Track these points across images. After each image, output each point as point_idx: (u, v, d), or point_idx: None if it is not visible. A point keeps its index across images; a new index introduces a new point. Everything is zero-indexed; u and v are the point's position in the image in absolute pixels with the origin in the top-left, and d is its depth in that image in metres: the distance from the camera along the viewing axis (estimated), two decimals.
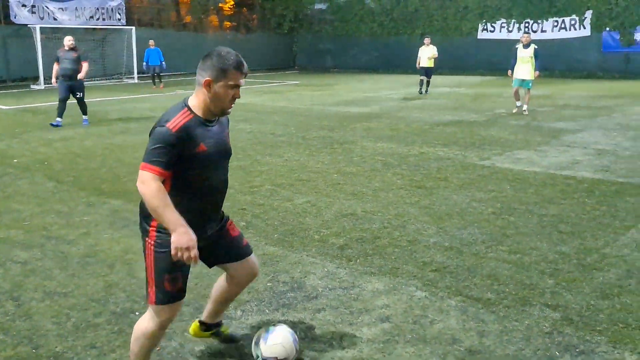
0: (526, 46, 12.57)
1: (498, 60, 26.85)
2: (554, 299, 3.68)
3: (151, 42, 20.10)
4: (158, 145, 2.48)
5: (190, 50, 28.18)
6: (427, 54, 17.85)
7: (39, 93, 18.95)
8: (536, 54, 12.54)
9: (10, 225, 5.34)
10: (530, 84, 12.71)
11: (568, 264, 4.24)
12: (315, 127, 11.11)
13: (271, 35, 33.41)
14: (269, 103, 15.67)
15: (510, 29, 26.94)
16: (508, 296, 3.74)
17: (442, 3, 28.56)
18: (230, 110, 2.65)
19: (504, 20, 27.01)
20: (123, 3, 24.80)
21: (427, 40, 18.39)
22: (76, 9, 23.01)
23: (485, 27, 27.67)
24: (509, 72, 13.07)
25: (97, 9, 23.72)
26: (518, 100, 13.01)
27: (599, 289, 3.80)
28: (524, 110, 12.73)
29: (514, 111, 12.93)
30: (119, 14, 24.54)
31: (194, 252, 2.42)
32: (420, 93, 17.83)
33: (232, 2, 33.66)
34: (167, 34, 27.44)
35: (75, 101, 11.51)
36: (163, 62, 20.07)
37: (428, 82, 18.03)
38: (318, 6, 33.53)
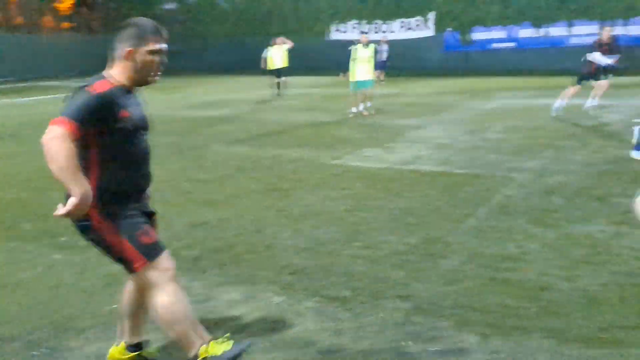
0: (366, 46, 12.74)
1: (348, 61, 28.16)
2: (405, 289, 3.81)
3: None
4: (78, 105, 2.40)
5: (23, 53, 25.77)
6: (279, 54, 17.81)
7: None
8: (375, 53, 12.92)
9: None
10: (372, 83, 13.07)
11: (416, 254, 4.43)
12: (163, 133, 10.60)
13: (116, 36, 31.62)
14: None
15: (361, 29, 28.22)
16: (363, 292, 3.79)
17: (295, 4, 29.12)
18: (156, 79, 2.71)
19: (355, 21, 28.23)
20: None
21: (279, 40, 18.31)
22: None
23: (337, 28, 28.72)
24: (342, 75, 13.26)
25: None
26: (356, 105, 12.88)
27: (445, 276, 4.00)
28: (365, 111, 12.81)
29: (351, 115, 12.74)
30: None
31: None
32: (278, 95, 17.80)
33: (71, 2, 31.33)
34: None
35: None
36: None
37: (281, 84, 18.03)
38: (167, 7, 32.44)
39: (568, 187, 6.20)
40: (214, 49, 31.30)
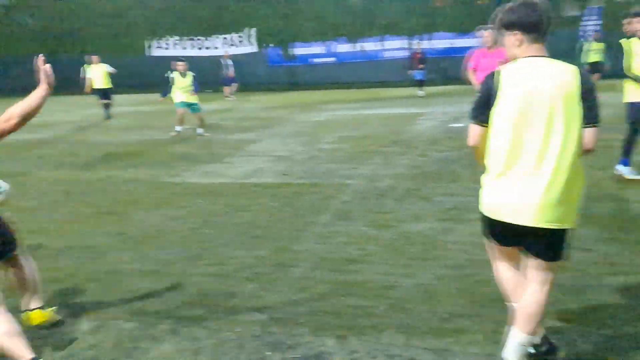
0: (183, 75, 12.14)
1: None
2: (259, 301, 3.89)
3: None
4: None
5: None
6: (99, 74, 16.46)
7: None
8: (194, 81, 12.23)
9: None
10: (198, 108, 12.28)
11: (266, 266, 4.54)
12: None
13: None
14: None
15: (184, 46, 27.79)
16: (217, 308, 3.80)
17: (109, 20, 27.73)
18: None
19: (176, 37, 27.71)
20: None
21: (95, 58, 16.78)
22: None
23: (159, 45, 27.95)
24: (161, 98, 12.40)
25: None
26: (182, 124, 12.22)
27: (296, 284, 4.16)
28: (201, 135, 12.05)
29: (173, 134, 12.08)
30: None
31: None
32: (108, 118, 16.12)
33: None
34: None
35: None
36: None
37: (108, 105, 16.46)
38: None
39: (398, 190, 6.80)
40: (20, 68, 28.52)
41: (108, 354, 3.28)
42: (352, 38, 26.03)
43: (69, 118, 16.61)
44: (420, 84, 19.48)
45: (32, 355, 2.89)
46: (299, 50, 26.90)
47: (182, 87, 12.07)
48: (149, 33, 27.76)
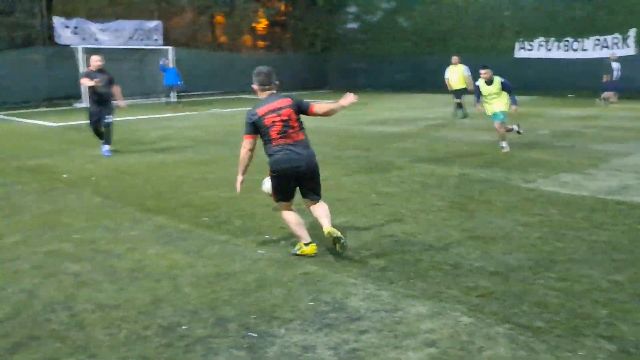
0: (489, 82, 10.71)
1: (537, 80, 26.49)
2: (609, 329, 3.57)
3: (166, 61, 20.56)
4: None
5: (224, 69, 28.72)
6: (456, 74, 16.77)
7: (82, 111, 19.49)
8: (506, 86, 10.70)
9: (61, 238, 5.50)
10: (502, 117, 10.68)
11: (623, 293, 4.11)
12: (350, 147, 11.13)
13: (304, 55, 33.72)
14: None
15: (549, 47, 26.49)
16: (559, 325, 3.64)
17: (478, 22, 28.35)
18: None
19: (542, 39, 26.61)
20: (161, 24, 25.47)
21: (454, 59, 17.10)
22: (116, 30, 23.78)
23: (522, 46, 27.32)
24: (478, 107, 10.97)
25: (136, 30, 24.43)
26: (504, 139, 10.71)
27: None
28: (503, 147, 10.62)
29: (505, 151, 10.48)
30: (157, 34, 25.19)
31: None
32: (455, 116, 16.60)
33: (266, 22, 34.17)
34: (202, 54, 28.00)
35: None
36: (179, 82, 20.39)
37: (460, 105, 16.70)
38: (350, 26, 33.73)
39: None
40: (392, 67, 31.75)
41: (444, 341, 3.49)
42: None
43: (430, 114, 17.83)
44: None
45: (310, 240, 5.01)
46: None
47: (489, 95, 10.75)
48: (515, 35, 27.36)
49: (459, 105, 16.86)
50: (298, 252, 5.03)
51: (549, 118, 16.44)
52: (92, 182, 7.95)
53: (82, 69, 21.11)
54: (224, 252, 5.12)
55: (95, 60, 10.28)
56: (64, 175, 8.42)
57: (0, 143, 11.72)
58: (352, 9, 33.50)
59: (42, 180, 8.08)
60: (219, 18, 31.83)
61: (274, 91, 5.18)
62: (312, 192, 5.14)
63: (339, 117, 17.05)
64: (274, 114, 4.99)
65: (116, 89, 10.44)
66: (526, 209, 6.48)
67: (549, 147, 10.96)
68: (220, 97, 25.74)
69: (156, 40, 25.09)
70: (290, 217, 5.07)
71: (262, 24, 34.14)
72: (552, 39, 26.27)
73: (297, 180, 5.01)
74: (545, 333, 3.54)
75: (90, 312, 3.88)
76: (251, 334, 3.59)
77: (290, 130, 5.05)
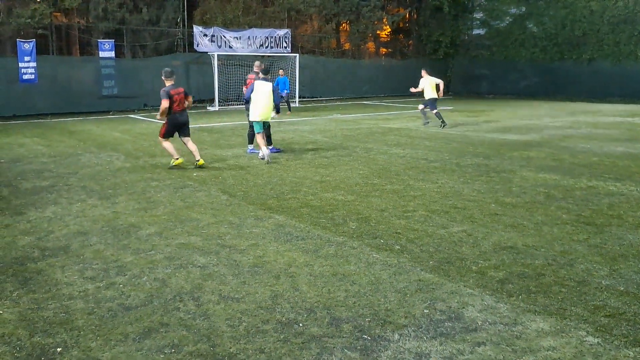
0: None
1: None
2: None
3: (281, 71, 21.17)
4: None
5: (348, 75, 29.21)
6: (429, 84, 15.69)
7: (214, 114, 20.81)
8: None
9: (190, 232, 5.94)
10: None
11: None
12: (469, 154, 10.86)
13: (426, 61, 33.36)
14: (422, 128, 15.63)
15: None
16: None
17: (615, 27, 26.38)
18: None
19: None
20: (290, 32, 26.46)
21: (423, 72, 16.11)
22: (249, 37, 25.06)
23: None
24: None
25: (267, 37, 25.57)
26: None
27: None
28: None
29: None
30: (286, 42, 26.21)
31: None
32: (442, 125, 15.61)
33: (389, 30, 34.27)
34: (327, 60, 28.71)
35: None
36: (287, 91, 20.98)
37: (437, 114, 15.71)
38: (476, 31, 32.88)
39: None
40: (517, 73, 30.46)
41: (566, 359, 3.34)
42: None
43: (556, 123, 16.87)
44: None
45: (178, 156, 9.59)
46: None
47: None
48: None
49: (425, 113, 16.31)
50: (173, 164, 9.60)
51: None
52: (219, 181, 8.49)
53: (216, 74, 22.59)
54: (340, 253, 5.25)
55: (259, 66, 11.21)
56: (195, 174, 9.07)
57: (139, 142, 12.85)
58: (479, 14, 32.65)
59: (174, 178, 8.77)
60: (344, 25, 32.47)
61: (173, 82, 9.65)
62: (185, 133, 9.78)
63: (458, 124, 16.74)
64: (176, 95, 9.54)
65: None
66: None
67: None
68: (342, 103, 26.18)
69: (285, 47, 26.14)
70: (168, 144, 9.62)
71: (385, 31, 34.31)
72: None
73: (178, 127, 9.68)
74: None
75: (214, 303, 4.17)
76: (365, 336, 3.66)
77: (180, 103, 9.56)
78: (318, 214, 6.58)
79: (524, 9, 30.18)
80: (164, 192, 7.84)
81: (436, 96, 15.67)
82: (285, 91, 20.79)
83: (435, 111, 15.75)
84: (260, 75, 10.57)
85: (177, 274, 4.75)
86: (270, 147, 10.84)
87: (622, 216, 6.39)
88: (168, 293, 4.36)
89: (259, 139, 10.24)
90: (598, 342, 3.54)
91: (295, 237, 5.73)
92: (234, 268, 4.87)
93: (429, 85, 15.66)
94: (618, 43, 26.45)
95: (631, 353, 3.39)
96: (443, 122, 15.65)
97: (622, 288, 4.36)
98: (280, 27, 27.15)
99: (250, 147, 11.29)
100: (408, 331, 3.72)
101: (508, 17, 31.06)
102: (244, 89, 11.29)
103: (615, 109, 21.71)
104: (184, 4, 25.18)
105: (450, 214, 6.57)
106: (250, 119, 10.59)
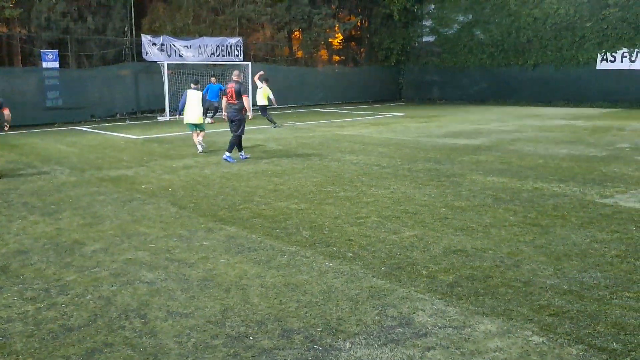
0: None
1: (619, 92, 25.27)
2: None
3: (212, 79, 21.16)
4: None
5: (302, 83, 29.27)
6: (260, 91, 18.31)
7: (165, 124, 20.44)
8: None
9: (138, 247, 5.79)
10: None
11: None
12: (421, 159, 11.03)
13: (378, 68, 33.83)
14: (375, 135, 15.79)
15: (632, 58, 25.19)
16: (637, 348, 3.46)
17: (557, 33, 27.41)
18: None
19: (625, 50, 25.35)
20: (241, 41, 26.33)
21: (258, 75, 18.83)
22: (199, 46, 24.78)
23: (604, 57, 26.12)
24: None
25: (218, 46, 25.36)
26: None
27: None
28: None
29: None
30: (237, 50, 26.05)
31: None
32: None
33: (342, 37, 34.58)
34: (279, 68, 28.69)
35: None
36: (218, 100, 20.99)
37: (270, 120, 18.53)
38: (426, 39, 33.57)
39: None
40: (467, 79, 31.29)
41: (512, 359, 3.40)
42: None
43: (505, 127, 17.33)
44: None
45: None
46: None
47: None
48: (596, 46, 26.19)
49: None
50: None
51: (631, 131, 15.61)
52: (169, 193, 8.32)
53: (167, 83, 22.24)
54: (292, 263, 5.21)
55: (236, 75, 11.70)
56: (143, 186, 8.86)
57: (85, 155, 12.48)
58: (428, 22, 33.36)
59: (122, 190, 8.54)
60: (297, 33, 32.55)
61: None
62: None
63: (410, 129, 17.02)
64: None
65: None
66: (603, 225, 6.19)
67: (629, 162, 10.40)
68: (297, 110, 26.19)
69: (237, 55, 25.96)
70: None
71: (337, 39, 34.59)
72: (637, 49, 24.95)
73: None
74: (621, 356, 3.38)
75: (162, 320, 4.06)
76: (316, 346, 3.63)
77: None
78: (271, 224, 6.53)
79: (471, 16, 30.99)
80: (111, 206, 7.62)
81: (267, 103, 18.42)
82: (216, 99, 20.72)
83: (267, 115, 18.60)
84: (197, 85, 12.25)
85: (122, 291, 4.61)
86: (241, 154, 11.73)
87: (566, 216, 6.59)
88: (113, 311, 4.22)
89: (194, 137, 12.88)
90: (543, 341, 3.62)
91: (247, 249, 5.66)
92: (182, 283, 4.77)
93: (262, 93, 18.15)
94: (560, 49, 27.46)
95: (574, 351, 3.47)
96: (274, 123, 18.56)
97: (565, 287, 4.48)
98: (232, 35, 26.99)
99: (242, 154, 11.77)
100: (359, 339, 3.72)
101: (456, 25, 31.82)
102: (224, 99, 11.65)
103: (559, 112, 22.50)
104: (131, 12, 24.70)
105: (402, 219, 6.63)
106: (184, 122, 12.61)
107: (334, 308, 4.21)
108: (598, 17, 25.94)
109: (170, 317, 4.09)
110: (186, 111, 12.39)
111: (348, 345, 3.64)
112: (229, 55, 25.69)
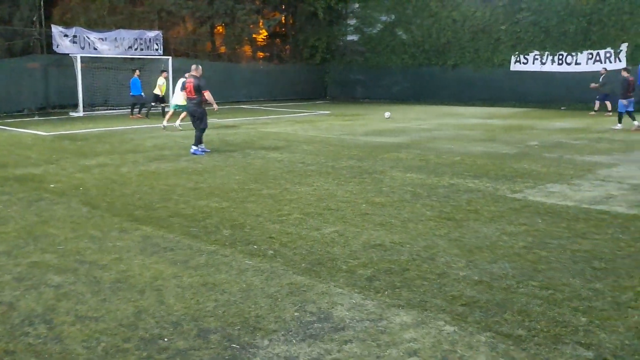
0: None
1: (531, 93, 26.72)
2: (587, 337, 3.58)
3: (137, 72, 20.72)
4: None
5: (225, 79, 28.83)
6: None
7: (78, 120, 19.54)
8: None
9: (45, 249, 5.47)
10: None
11: (602, 301, 4.13)
12: (344, 157, 11.17)
13: (303, 66, 33.92)
14: (300, 132, 15.83)
15: (543, 61, 26.72)
16: (539, 333, 3.65)
17: (474, 35, 28.60)
18: None
19: (537, 53, 26.85)
20: (161, 34, 25.58)
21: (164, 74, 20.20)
22: (115, 39, 23.83)
23: (517, 59, 27.55)
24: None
25: (136, 39, 24.51)
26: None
27: (635, 328, 3.68)
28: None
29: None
30: (157, 44, 25.29)
31: None
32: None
33: (266, 33, 34.41)
34: (201, 64, 28.15)
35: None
36: (142, 94, 20.64)
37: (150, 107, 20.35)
38: (350, 38, 34.03)
39: None
40: (390, 78, 32.02)
41: (426, 350, 3.49)
42: None
43: (425, 125, 17.89)
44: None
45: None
46: None
47: None
48: (510, 48, 27.58)
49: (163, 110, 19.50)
50: None
51: (541, 130, 16.58)
52: (81, 192, 7.95)
53: (80, 77, 21.22)
54: (211, 262, 5.12)
55: (194, 70, 11.83)
56: (52, 185, 8.41)
57: None
58: (352, 21, 33.81)
59: (29, 190, 8.07)
60: (219, 28, 32.03)
61: None
62: None
63: (335, 127, 17.18)
64: None
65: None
66: (512, 218, 6.51)
67: (538, 158, 11.02)
68: (220, 107, 25.76)
69: (157, 50, 25.18)
70: None
71: (262, 35, 34.36)
72: (547, 52, 26.49)
73: None
74: (526, 341, 3.55)
75: (69, 325, 3.86)
76: (234, 345, 3.58)
77: None
78: (189, 223, 6.38)
79: (393, 17, 31.74)
80: (16, 206, 7.18)
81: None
82: (141, 93, 20.25)
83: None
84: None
85: (27, 296, 4.34)
86: (201, 147, 11.88)
87: (479, 211, 6.87)
88: (15, 317, 3.97)
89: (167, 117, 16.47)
90: (454, 330, 3.75)
91: (164, 249, 5.50)
92: (93, 285, 4.56)
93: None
94: (477, 50, 28.68)
95: (483, 338, 3.62)
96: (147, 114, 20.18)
97: (476, 278, 4.66)
98: (151, 28, 26.17)
99: (194, 147, 11.73)
100: (278, 336, 3.70)
101: (379, 25, 32.49)
102: (184, 93, 12.02)
103: (477, 112, 23.49)
104: (40, 1, 23.35)
105: (323, 215, 6.67)
106: None
107: (253, 306, 4.16)
108: (512, 21, 27.31)
109: (79, 322, 3.90)
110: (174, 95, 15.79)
111: (266, 342, 3.61)
112: (147, 49, 24.90)
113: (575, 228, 6.06)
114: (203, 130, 11.79)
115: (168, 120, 16.49)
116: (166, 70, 21.20)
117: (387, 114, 20.77)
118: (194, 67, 11.92)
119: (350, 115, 21.92)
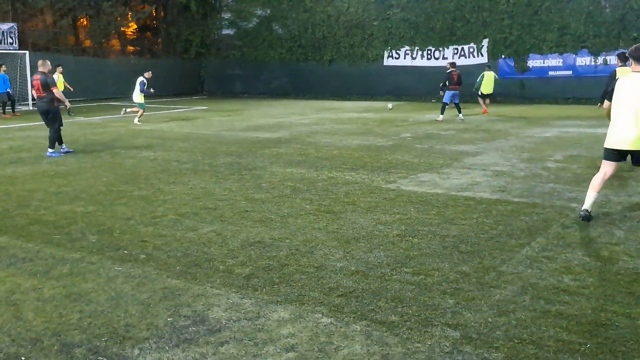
0: None
1: (403, 86, 28.06)
2: (455, 318, 3.77)
3: (3, 67, 19.22)
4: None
5: (91, 75, 27.14)
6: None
7: None
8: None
9: None
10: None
11: (468, 283, 4.38)
12: (222, 154, 10.95)
13: (177, 60, 32.86)
14: (176, 129, 15.31)
15: (414, 55, 28.16)
16: (411, 318, 3.78)
17: (349, 31, 29.41)
18: None
19: (408, 48, 28.22)
20: (15, 27, 23.46)
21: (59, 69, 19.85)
22: None
23: (390, 54, 28.77)
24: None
25: None
26: None
27: (496, 306, 3.94)
28: None
29: None
30: (12, 37, 23.16)
31: None
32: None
33: (135, 27, 32.87)
34: (65, 59, 26.23)
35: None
36: (9, 90, 19.25)
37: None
38: (226, 32, 33.49)
39: (632, 219, 5.98)
40: (269, 73, 32.05)
41: (303, 344, 3.48)
42: (595, 51, 23.76)
43: (304, 120, 18.09)
44: None
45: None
46: (534, 62, 25.40)
47: None
48: (383, 44, 28.72)
49: None
50: None
51: (413, 122, 17.44)
52: None
53: None
54: (75, 271, 4.74)
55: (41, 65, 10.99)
56: None
57: None
58: (227, 15, 33.27)
59: None
60: (83, 21, 30.02)
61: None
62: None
63: (212, 123, 16.84)
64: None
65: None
66: (387, 208, 6.74)
67: (410, 150, 11.55)
68: (86, 104, 24.24)
69: (11, 44, 23.03)
70: None
71: (131, 28, 32.75)
72: (417, 48, 27.94)
73: None
74: (399, 327, 3.66)
75: None
76: (100, 358, 3.33)
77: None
78: (51, 230, 5.88)
79: (269, 11, 31.72)
80: None
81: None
82: (7, 90, 18.62)
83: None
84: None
85: None
86: (62, 147, 11.19)
87: (356, 202, 7.04)
88: None
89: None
90: (331, 321, 3.77)
91: (21, 260, 5.01)
92: None
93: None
94: (352, 45, 29.53)
95: (358, 327, 3.68)
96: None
97: (353, 268, 4.75)
98: (4, 20, 23.93)
99: (50, 150, 10.91)
100: (149, 344, 3.50)
101: (255, 19, 32.33)
102: (33, 91, 11.08)
103: (353, 106, 24.19)
104: None
105: (200, 215, 6.47)
106: None
107: (122, 314, 3.91)
108: (384, 17, 28.44)
109: None
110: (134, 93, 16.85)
111: (136, 352, 3.40)
112: (1, 44, 22.75)
113: (444, 214, 6.40)
114: (58, 129, 10.92)
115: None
116: (61, 65, 19.62)
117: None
118: (40, 62, 10.98)
119: (229, 111, 21.60)
